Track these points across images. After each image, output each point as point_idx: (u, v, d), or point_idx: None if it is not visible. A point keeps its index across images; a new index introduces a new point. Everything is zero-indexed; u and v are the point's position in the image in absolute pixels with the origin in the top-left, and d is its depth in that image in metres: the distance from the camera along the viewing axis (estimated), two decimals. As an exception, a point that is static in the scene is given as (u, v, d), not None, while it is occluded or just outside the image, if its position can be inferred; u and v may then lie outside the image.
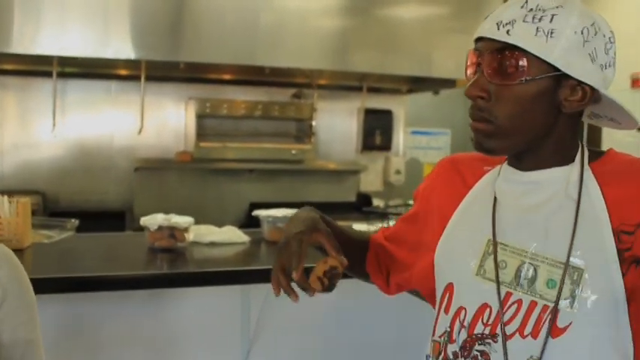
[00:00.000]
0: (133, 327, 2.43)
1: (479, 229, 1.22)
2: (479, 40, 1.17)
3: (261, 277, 2.45)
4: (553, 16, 1.11)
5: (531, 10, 1.11)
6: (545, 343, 1.10)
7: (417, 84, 4.93)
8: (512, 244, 1.17)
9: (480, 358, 1.16)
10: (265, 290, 2.52)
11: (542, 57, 1.10)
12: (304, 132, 4.80)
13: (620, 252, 1.10)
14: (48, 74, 4.12)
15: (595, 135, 4.00)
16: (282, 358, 2.63)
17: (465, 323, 1.19)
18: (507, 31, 1.11)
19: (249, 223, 3.62)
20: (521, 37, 1.10)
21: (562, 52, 1.10)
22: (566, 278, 1.10)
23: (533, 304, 1.13)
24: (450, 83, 4.72)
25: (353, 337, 2.64)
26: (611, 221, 1.12)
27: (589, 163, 1.19)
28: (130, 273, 2.33)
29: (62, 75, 4.23)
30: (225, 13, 3.91)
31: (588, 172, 1.17)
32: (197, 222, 2.83)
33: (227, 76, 4.63)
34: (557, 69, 1.11)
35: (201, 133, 4.51)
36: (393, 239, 1.48)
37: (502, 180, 1.24)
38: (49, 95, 4.18)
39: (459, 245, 1.25)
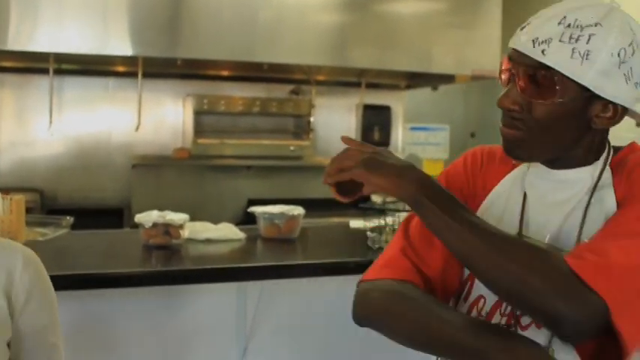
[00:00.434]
0: (126, 325, 2.42)
1: (507, 222, 1.23)
2: (514, 48, 1.16)
3: (257, 273, 2.46)
4: (590, 36, 1.09)
5: (569, 26, 1.10)
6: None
7: (416, 80, 4.92)
8: (535, 237, 1.19)
9: None
10: (261, 287, 2.53)
11: (576, 79, 1.10)
12: (302, 128, 4.78)
13: None
14: (45, 71, 4.10)
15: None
16: (279, 354, 2.62)
17: (483, 312, 1.21)
18: (542, 51, 1.10)
19: (247, 219, 3.61)
20: (557, 58, 1.10)
21: (596, 74, 1.10)
22: None
23: None
24: (448, 79, 4.72)
25: (351, 333, 2.62)
26: None
27: (612, 158, 1.21)
28: (124, 270, 2.32)
29: (59, 72, 4.23)
30: (222, 9, 3.90)
31: (608, 172, 1.19)
32: (195, 219, 2.82)
33: (225, 73, 4.63)
34: (589, 89, 1.11)
35: (199, 130, 4.49)
36: None
37: (531, 176, 1.25)
38: (46, 92, 4.16)
39: None
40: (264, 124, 4.72)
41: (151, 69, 4.22)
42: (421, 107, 5.36)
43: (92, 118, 4.42)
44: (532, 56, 1.11)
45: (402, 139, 5.19)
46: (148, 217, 2.53)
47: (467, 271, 1.26)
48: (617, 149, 1.23)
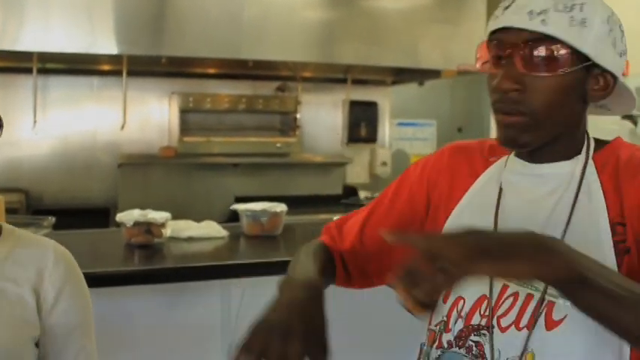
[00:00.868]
0: (108, 324, 2.40)
1: (483, 220, 1.21)
2: (498, 31, 1.13)
3: (240, 271, 2.45)
4: (582, 4, 1.09)
5: None
6: (539, 336, 1.10)
7: (402, 75, 4.92)
8: None
9: (474, 348, 1.16)
10: (245, 284, 2.52)
11: (577, 47, 1.08)
12: (289, 125, 4.77)
13: (615, 244, 1.09)
14: (29, 71, 4.08)
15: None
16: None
17: (463, 313, 1.20)
18: (542, 21, 1.08)
19: (234, 217, 3.61)
20: (557, 27, 1.08)
21: (594, 41, 1.09)
22: None
23: (529, 297, 1.12)
24: (434, 74, 4.72)
25: (335, 327, 2.61)
26: (609, 213, 1.11)
27: (594, 153, 1.18)
28: (105, 270, 2.30)
29: (44, 71, 4.20)
30: (207, 6, 3.88)
31: (591, 166, 1.16)
32: (182, 217, 2.81)
33: (210, 70, 4.61)
34: (587, 59, 1.10)
35: (185, 128, 4.48)
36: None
37: (509, 172, 1.24)
38: (30, 92, 4.14)
39: None
40: (250, 122, 4.70)
41: (135, 67, 4.20)
42: (408, 103, 5.37)
43: (77, 118, 4.39)
44: (532, 29, 1.08)
45: (389, 135, 5.19)
46: (129, 216, 2.52)
47: None
48: (598, 142, 1.21)
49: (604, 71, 1.13)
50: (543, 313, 1.10)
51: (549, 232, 1.11)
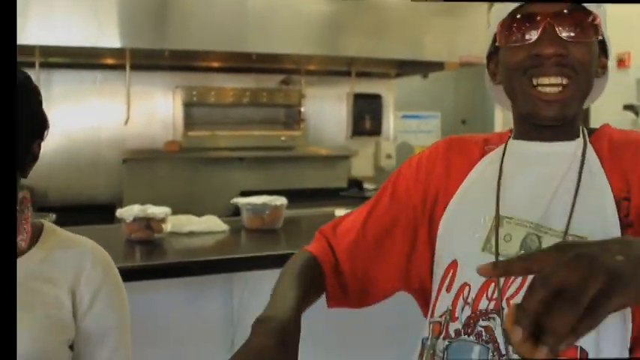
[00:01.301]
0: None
1: (484, 206, 1.22)
2: (525, 5, 1.17)
3: (241, 265, 2.44)
4: None
5: None
6: None
7: (406, 68, 4.90)
8: (518, 215, 1.18)
9: (484, 333, 1.15)
10: (246, 277, 2.51)
11: (602, 17, 1.18)
12: (293, 118, 4.76)
13: (621, 220, 1.11)
14: (31, 65, 4.05)
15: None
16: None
17: (469, 300, 1.18)
18: None
19: (239, 211, 3.61)
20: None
21: (604, 15, 1.19)
22: None
23: None
24: (438, 66, 4.70)
25: (337, 320, 2.60)
26: (613, 191, 1.13)
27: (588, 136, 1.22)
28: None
29: (47, 65, 4.18)
30: (211, -1, 3.87)
31: (590, 148, 1.19)
32: (188, 212, 2.80)
33: (214, 64, 4.59)
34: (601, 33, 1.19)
35: (190, 122, 4.46)
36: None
37: (509, 155, 1.25)
38: (33, 87, 4.13)
39: (463, 222, 1.24)
40: (255, 115, 4.69)
41: (139, 61, 4.19)
42: (412, 95, 5.35)
43: (81, 113, 4.38)
44: None
45: (393, 128, 5.18)
46: (128, 212, 2.51)
47: (445, 264, 1.23)
48: (588, 129, 1.25)
49: (603, 51, 1.23)
50: None
51: (556, 210, 1.15)
